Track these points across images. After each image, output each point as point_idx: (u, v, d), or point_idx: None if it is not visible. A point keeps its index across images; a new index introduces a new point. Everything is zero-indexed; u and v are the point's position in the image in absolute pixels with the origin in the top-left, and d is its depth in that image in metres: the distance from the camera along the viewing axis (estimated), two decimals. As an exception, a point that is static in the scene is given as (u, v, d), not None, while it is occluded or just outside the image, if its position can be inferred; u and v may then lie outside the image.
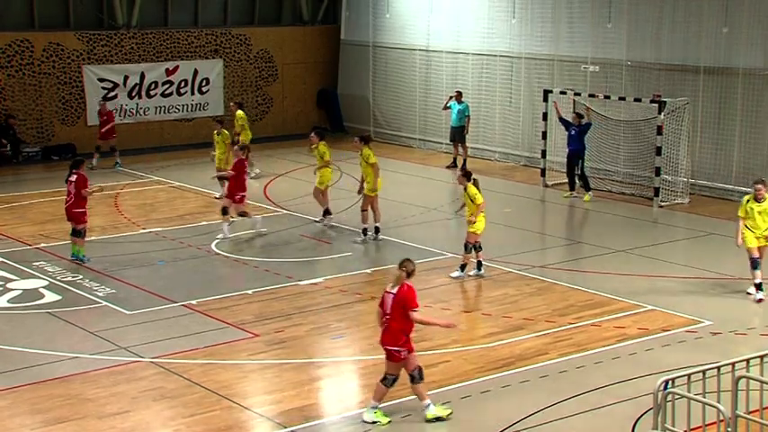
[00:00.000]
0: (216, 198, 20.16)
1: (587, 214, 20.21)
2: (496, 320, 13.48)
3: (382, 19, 28.20)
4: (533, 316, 13.58)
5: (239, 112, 22.97)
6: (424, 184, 22.84)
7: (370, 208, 17.42)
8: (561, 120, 21.26)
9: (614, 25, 22.66)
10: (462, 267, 15.27)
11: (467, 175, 15.37)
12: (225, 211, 17.59)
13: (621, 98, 21.51)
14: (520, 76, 24.74)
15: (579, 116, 20.97)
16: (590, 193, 20.76)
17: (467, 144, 24.38)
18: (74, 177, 15.87)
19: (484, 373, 11.52)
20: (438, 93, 26.17)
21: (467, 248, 15.26)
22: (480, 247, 15.30)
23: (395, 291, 10.06)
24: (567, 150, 21.11)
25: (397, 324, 10.00)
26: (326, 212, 18.54)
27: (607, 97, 21.78)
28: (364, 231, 17.41)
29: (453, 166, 24.15)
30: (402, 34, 27.65)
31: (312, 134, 18.78)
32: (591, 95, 21.93)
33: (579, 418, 10.35)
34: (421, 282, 15.03)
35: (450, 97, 24.44)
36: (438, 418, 10.24)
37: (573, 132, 20.82)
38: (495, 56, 25.27)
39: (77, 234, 15.92)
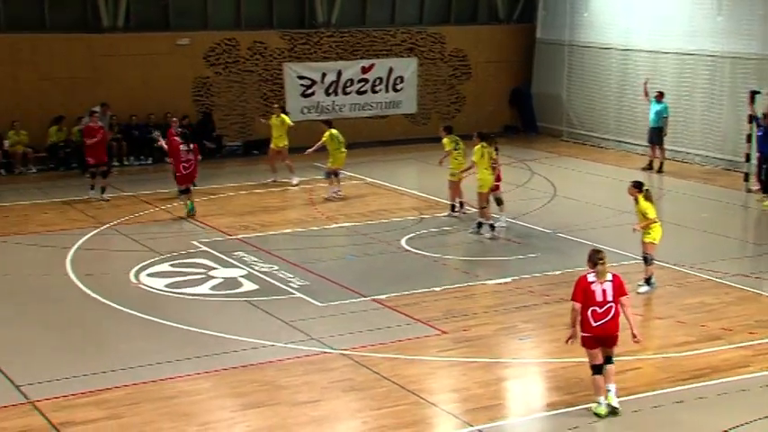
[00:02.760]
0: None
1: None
2: (692, 329, 12.98)
3: (580, 17, 27.70)
4: (732, 326, 12.99)
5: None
6: (616, 187, 22.22)
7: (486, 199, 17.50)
8: (755, 119, 20.46)
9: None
10: (648, 281, 14.71)
11: (638, 186, 14.57)
12: (499, 202, 17.99)
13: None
14: (724, 76, 23.73)
15: (766, 116, 19.97)
16: None
17: (664, 146, 23.63)
18: (191, 146, 19.11)
19: (677, 383, 11.13)
20: (635, 93, 25.46)
21: (646, 261, 14.63)
22: (652, 260, 14.58)
23: (609, 279, 10.44)
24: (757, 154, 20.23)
25: (618, 309, 10.47)
26: (455, 206, 18.83)
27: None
28: (491, 226, 17.43)
29: (649, 168, 23.46)
30: (599, 33, 27.08)
31: (441, 129, 19.51)
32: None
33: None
34: (613, 286, 14.73)
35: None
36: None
37: (760, 133, 19.91)
38: (698, 55, 24.33)
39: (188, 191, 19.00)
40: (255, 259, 16.19)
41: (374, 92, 27.83)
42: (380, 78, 27.83)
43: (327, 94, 27.16)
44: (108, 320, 13.41)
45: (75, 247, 16.95)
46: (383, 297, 14.22)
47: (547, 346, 12.54)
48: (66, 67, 24.33)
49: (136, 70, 25.05)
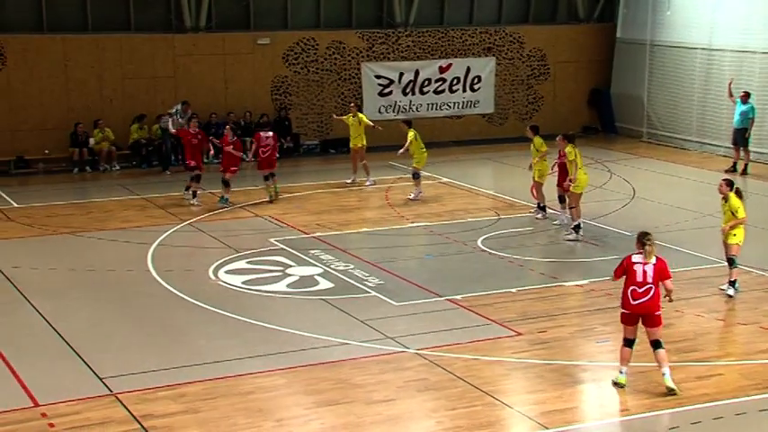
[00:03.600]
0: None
1: None
2: (776, 336, 12.66)
3: (662, 16, 27.21)
4: (819, 333, 12.64)
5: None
6: (698, 189, 21.84)
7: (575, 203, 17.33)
8: None
9: None
10: (732, 284, 14.36)
11: (730, 184, 14.34)
12: (562, 200, 18.06)
13: None
14: (812, 75, 23.10)
15: None
16: None
17: (749, 147, 23.08)
18: (270, 133, 19.93)
19: (762, 391, 10.85)
20: (718, 93, 24.93)
21: (732, 263, 14.23)
22: (736, 263, 14.24)
23: (652, 262, 10.91)
24: None
25: (658, 291, 10.86)
26: (541, 208, 18.63)
27: None
28: (576, 228, 17.24)
29: (733, 170, 22.93)
30: (682, 32, 26.57)
31: (528, 129, 19.23)
32: None
33: None
34: (693, 290, 14.47)
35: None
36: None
37: None
38: (786, 55, 23.75)
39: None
40: (332, 258, 16.28)
41: (451, 91, 27.76)
42: (458, 78, 27.76)
43: (405, 93, 27.18)
44: (187, 316, 13.62)
45: (156, 243, 17.26)
46: (459, 297, 14.17)
47: (625, 349, 12.33)
48: (150, 66, 24.82)
49: (216, 69, 25.43)
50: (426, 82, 27.46)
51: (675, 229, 17.96)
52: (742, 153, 23.01)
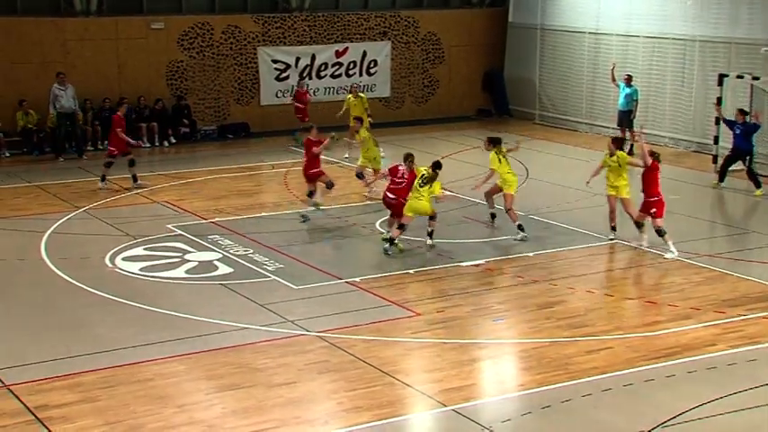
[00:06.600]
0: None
1: (762, 204, 19.42)
2: (662, 309, 13.22)
3: (551, 1, 27.85)
4: (701, 305, 13.23)
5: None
6: (589, 168, 22.42)
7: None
8: (724, 120, 20.52)
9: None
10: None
11: (616, 141, 16.72)
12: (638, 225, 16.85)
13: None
14: (693, 59, 23.99)
15: (743, 113, 20.05)
16: (761, 189, 19.82)
17: (634, 129, 23.86)
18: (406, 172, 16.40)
19: (648, 362, 11.34)
20: (606, 76, 25.65)
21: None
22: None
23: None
24: (731, 147, 20.26)
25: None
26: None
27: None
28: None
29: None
30: (571, 16, 27.27)
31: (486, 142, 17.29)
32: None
33: (750, 412, 10.05)
34: (584, 267, 14.97)
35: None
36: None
37: (738, 131, 19.95)
38: (668, 39, 24.58)
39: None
40: (230, 243, 16.24)
41: (348, 76, 27.85)
42: (354, 62, 27.87)
43: (302, 77, 27.15)
44: (83, 304, 13.43)
45: (50, 231, 16.93)
46: (358, 279, 14.34)
47: (521, 326, 12.72)
48: (39, 51, 24.18)
49: (109, 54, 24.94)
50: (323, 66, 27.49)
51: (567, 208, 18.49)
52: (628, 134, 23.77)
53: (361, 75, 28.00)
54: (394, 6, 28.89)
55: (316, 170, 17.81)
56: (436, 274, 14.78)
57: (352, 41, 27.75)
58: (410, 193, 15.82)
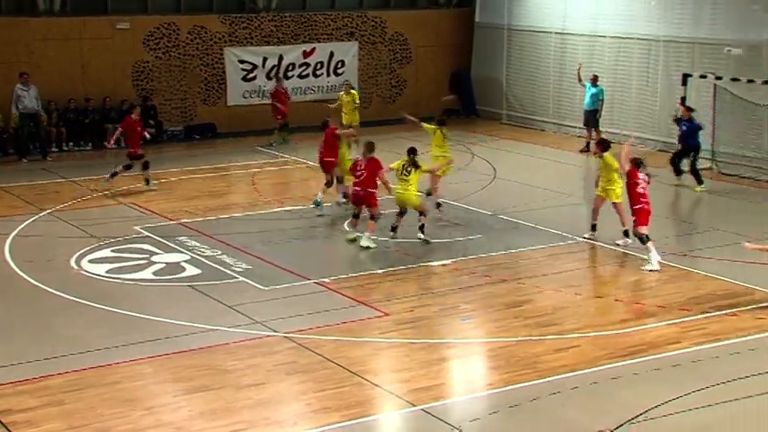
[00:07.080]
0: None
1: (725, 202, 19.65)
2: (628, 307, 13.33)
3: (518, 2, 27.99)
4: (666, 303, 13.36)
5: None
6: (556, 168, 22.65)
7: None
8: (675, 120, 20.90)
9: (762, 6, 21.87)
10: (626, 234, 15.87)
11: (601, 143, 16.32)
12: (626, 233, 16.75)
13: (766, 82, 20.78)
14: (658, 59, 24.21)
15: (690, 110, 20.43)
16: (702, 186, 20.10)
17: (600, 128, 24.05)
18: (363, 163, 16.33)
19: (614, 360, 11.43)
20: (572, 76, 25.83)
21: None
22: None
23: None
24: (680, 145, 20.59)
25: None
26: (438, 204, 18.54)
27: (751, 81, 21.08)
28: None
29: (586, 149, 23.85)
30: (538, 17, 27.41)
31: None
32: (733, 79, 21.27)
33: (714, 409, 10.16)
34: (550, 267, 15.07)
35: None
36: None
37: (684, 128, 20.29)
38: (633, 39, 24.79)
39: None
40: (198, 244, 16.17)
41: (315, 76, 27.83)
42: (321, 62, 27.84)
43: (269, 78, 27.08)
44: (49, 307, 13.31)
45: (14, 233, 16.76)
46: (327, 280, 14.33)
47: (488, 326, 12.77)
48: (2, 51, 23.92)
49: (74, 54, 24.73)
50: (291, 66, 27.43)
51: (534, 207, 18.59)
52: (594, 133, 23.94)
53: (328, 75, 27.99)
54: (361, 7, 28.90)
55: (332, 159, 18.07)
56: (405, 273, 14.80)
57: (319, 42, 27.72)
58: (397, 185, 16.28)
